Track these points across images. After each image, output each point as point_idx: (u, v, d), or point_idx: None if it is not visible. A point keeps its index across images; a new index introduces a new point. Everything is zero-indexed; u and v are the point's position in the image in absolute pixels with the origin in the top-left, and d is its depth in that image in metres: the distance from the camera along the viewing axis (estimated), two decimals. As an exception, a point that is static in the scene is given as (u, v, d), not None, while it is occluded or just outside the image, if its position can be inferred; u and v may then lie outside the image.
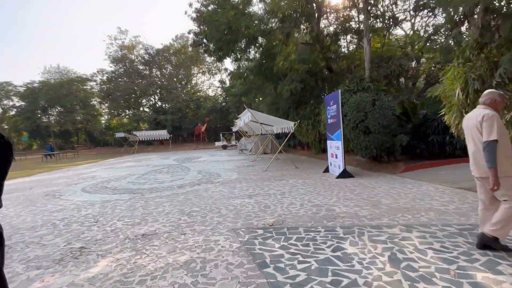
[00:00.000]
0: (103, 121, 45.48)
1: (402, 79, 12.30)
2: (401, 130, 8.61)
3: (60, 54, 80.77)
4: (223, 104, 38.60)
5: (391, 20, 10.65)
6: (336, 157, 7.73)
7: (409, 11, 10.02)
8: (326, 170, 8.47)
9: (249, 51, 13.10)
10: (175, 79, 41.12)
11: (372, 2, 9.94)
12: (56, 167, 15.51)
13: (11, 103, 42.23)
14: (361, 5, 12.05)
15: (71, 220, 4.67)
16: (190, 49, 39.70)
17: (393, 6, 10.37)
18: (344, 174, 7.23)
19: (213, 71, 38.11)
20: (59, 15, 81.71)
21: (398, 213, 4.05)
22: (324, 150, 13.37)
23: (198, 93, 43.44)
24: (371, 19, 10.39)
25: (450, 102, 4.77)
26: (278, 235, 3.46)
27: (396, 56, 10.49)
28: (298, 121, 9.98)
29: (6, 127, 43.72)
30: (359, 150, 8.72)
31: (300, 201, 5.05)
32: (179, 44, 40.55)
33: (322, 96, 14.01)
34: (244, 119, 11.30)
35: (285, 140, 10.59)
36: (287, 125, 10.25)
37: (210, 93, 44.73)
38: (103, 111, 44.40)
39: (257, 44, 12.95)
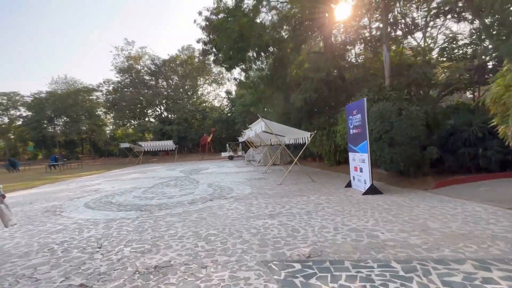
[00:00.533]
0: (108, 131, 45.36)
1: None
2: (426, 142, 8.00)
3: (69, 65, 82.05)
4: (229, 114, 38.29)
5: (411, 26, 10.18)
6: (361, 171, 7.09)
7: (431, 17, 9.53)
8: (348, 184, 7.82)
9: (261, 59, 12.69)
10: (181, 90, 41.07)
11: (391, 8, 9.50)
12: (59, 179, 15.01)
13: (17, 113, 42.43)
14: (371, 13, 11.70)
15: (71, 245, 4.07)
16: (196, 60, 39.85)
17: (414, 11, 9.90)
18: (372, 190, 6.58)
19: (220, 82, 38.02)
20: (68, 28, 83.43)
21: (458, 242, 3.40)
22: (340, 162, 12.74)
23: (204, 104, 43.26)
24: (389, 27, 9.94)
25: (505, 111, 4.16)
26: (322, 271, 2.82)
27: (417, 64, 9.96)
28: (315, 131, 9.39)
29: (12, 136, 43.81)
30: (383, 163, 8.08)
31: (332, 224, 4.40)
32: (185, 55, 40.69)
33: (334, 105, 13.46)
34: (256, 129, 10.76)
35: (301, 151, 9.98)
36: (302, 136, 9.67)
37: (216, 103, 44.57)
38: (108, 121, 44.34)
39: (268, 53, 12.54)
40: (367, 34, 12.29)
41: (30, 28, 76.87)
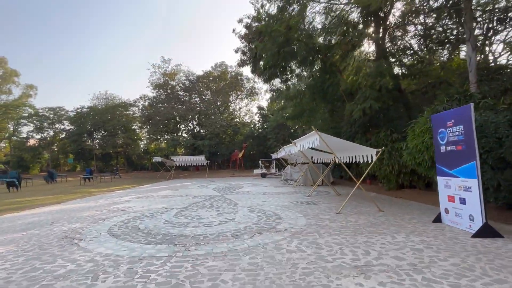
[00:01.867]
0: (141, 145, 46.28)
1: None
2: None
3: (109, 82, 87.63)
4: (260, 130, 37.23)
5: (501, 20, 8.30)
6: (463, 203, 5.22)
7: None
8: (437, 219, 5.93)
9: (308, 65, 11.30)
10: (213, 106, 41.01)
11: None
12: (91, 193, 14.47)
13: (62, 127, 44.96)
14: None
15: (76, 307, 2.76)
16: (229, 75, 39.85)
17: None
18: (487, 232, 4.68)
19: (252, 97, 37.43)
20: (112, 49, 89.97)
21: None
22: (402, 186, 10.71)
23: (236, 119, 42.76)
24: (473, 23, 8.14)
25: None
26: None
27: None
28: (382, 148, 7.66)
29: (55, 149, 46.37)
30: (484, 192, 6.12)
31: (480, 299, 2.68)
32: (218, 72, 40.91)
33: (393, 119, 11.54)
34: (304, 144, 9.22)
35: (366, 171, 8.23)
36: (367, 153, 7.95)
37: (247, 119, 43.91)
38: (143, 136, 45.31)
39: (316, 58, 11.16)
40: (434, 36, 10.49)
41: (82, 48, 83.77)
